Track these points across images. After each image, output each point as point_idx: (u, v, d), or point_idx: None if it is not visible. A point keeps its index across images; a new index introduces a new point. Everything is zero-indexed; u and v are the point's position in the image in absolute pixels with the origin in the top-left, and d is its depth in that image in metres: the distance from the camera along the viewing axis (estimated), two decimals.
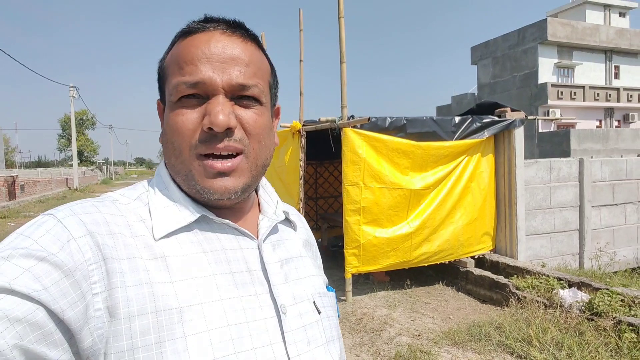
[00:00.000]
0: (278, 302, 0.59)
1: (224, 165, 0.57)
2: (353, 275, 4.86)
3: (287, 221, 0.73)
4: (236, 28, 0.61)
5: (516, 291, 4.35)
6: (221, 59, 0.57)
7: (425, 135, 4.87)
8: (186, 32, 0.60)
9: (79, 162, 37.13)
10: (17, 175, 18.28)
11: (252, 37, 0.63)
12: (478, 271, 4.99)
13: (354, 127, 4.55)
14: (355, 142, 4.51)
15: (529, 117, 5.63)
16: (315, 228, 7.58)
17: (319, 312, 0.66)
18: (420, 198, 4.84)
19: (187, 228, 0.58)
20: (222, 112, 0.55)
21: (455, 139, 5.00)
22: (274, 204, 0.72)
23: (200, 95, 0.57)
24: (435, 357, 3.31)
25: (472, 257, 5.29)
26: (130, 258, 0.51)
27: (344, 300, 4.72)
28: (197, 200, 0.60)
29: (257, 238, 0.64)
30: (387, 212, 4.67)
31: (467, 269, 5.10)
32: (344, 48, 4.62)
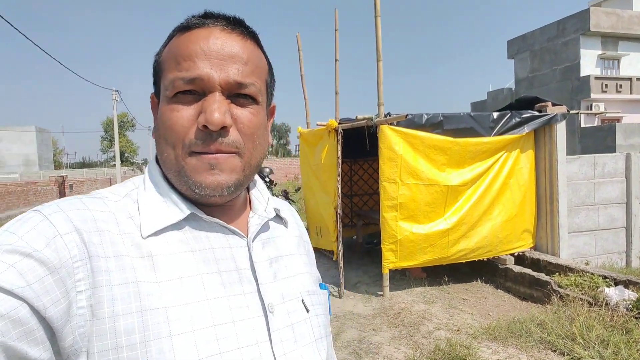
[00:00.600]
0: (265, 301, 0.59)
1: (216, 159, 0.56)
2: (390, 271, 4.91)
3: (279, 218, 0.72)
4: (236, 25, 0.60)
5: (558, 289, 4.27)
6: (219, 56, 0.56)
7: (462, 131, 4.85)
8: (185, 27, 0.59)
9: (120, 162, 38.88)
10: (66, 176, 19.41)
11: (251, 35, 0.62)
12: (518, 268, 4.92)
13: (390, 124, 4.60)
14: (392, 139, 4.56)
15: (571, 112, 5.48)
16: (350, 225, 7.66)
17: (308, 311, 0.65)
18: (458, 194, 4.83)
19: (176, 226, 0.57)
20: (218, 110, 0.54)
21: (494, 135, 4.95)
22: (265, 201, 0.70)
23: (196, 91, 0.56)
24: (475, 352, 3.33)
25: (512, 255, 5.21)
26: (117, 256, 0.51)
27: (382, 295, 4.78)
28: (188, 198, 0.59)
29: (247, 236, 0.63)
30: (424, 208, 4.70)
31: (507, 266, 5.04)
32: (381, 46, 4.67)
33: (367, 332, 3.86)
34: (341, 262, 4.91)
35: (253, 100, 0.59)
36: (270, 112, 0.69)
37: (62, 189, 18.10)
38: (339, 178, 4.93)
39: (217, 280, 0.56)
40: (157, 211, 0.57)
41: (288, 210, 0.77)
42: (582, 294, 4.11)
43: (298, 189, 7.90)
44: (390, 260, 4.69)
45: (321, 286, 0.73)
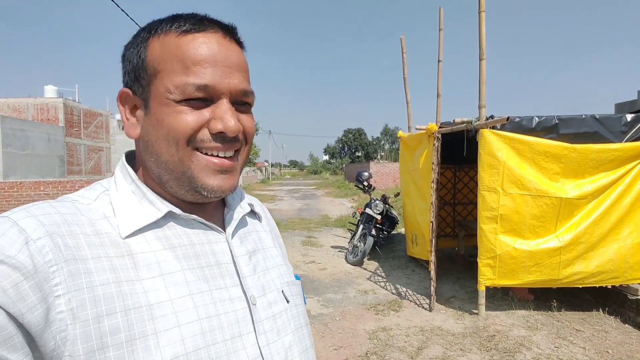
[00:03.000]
0: (248, 294, 0.60)
1: (224, 163, 0.58)
2: (489, 288, 4.49)
3: (252, 213, 0.75)
4: (233, 33, 0.61)
5: None
6: (227, 64, 0.57)
7: (583, 136, 4.21)
8: (184, 30, 0.57)
9: None
10: None
11: (242, 44, 0.64)
12: None
13: (493, 128, 4.22)
14: (493, 145, 4.18)
15: None
16: (451, 235, 7.23)
17: (288, 301, 0.67)
18: (574, 209, 4.20)
19: (155, 225, 0.58)
20: (233, 117, 0.57)
21: (626, 141, 4.19)
22: (239, 197, 0.72)
23: (205, 98, 0.56)
24: None
25: None
26: (95, 258, 0.51)
27: (476, 314, 4.40)
28: (165, 196, 0.61)
29: (225, 231, 0.64)
30: (530, 222, 4.19)
31: (639, 297, 4.22)
32: (484, 44, 4.32)
33: (453, 352, 3.59)
34: (433, 273, 4.65)
35: (250, 107, 0.62)
36: None
37: None
38: (433, 185, 4.68)
39: (199, 275, 0.57)
40: (134, 211, 0.58)
41: (259, 206, 0.80)
42: None
43: (397, 194, 7.71)
44: (488, 276, 4.29)
45: (295, 277, 0.75)
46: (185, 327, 0.52)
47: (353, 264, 6.67)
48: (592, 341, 3.79)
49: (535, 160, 4.19)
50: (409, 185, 6.36)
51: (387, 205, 7.50)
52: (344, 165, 43.51)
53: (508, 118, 4.02)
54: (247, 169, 43.88)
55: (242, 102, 0.60)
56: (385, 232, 7.60)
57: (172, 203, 0.61)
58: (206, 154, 0.58)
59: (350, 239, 7.11)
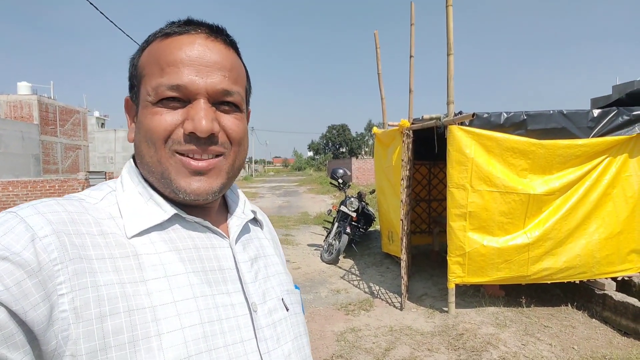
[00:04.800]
0: (249, 300, 0.61)
1: (198, 164, 0.57)
2: (461, 286, 4.47)
3: (254, 220, 0.75)
4: (218, 33, 0.60)
5: None
6: (205, 63, 0.57)
7: (551, 132, 4.19)
8: (166, 34, 0.59)
9: None
10: None
11: (232, 44, 0.63)
12: (620, 296, 4.10)
13: (461, 124, 4.17)
14: (462, 141, 4.13)
15: None
16: (427, 232, 7.21)
17: (287, 309, 0.67)
18: (542, 205, 4.19)
19: (160, 226, 0.58)
20: (205, 117, 0.55)
21: (593, 136, 4.19)
22: (242, 203, 0.73)
23: (181, 98, 0.56)
24: None
25: (613, 279, 4.37)
26: (100, 258, 0.50)
27: (446, 312, 4.37)
28: (170, 198, 0.60)
29: (228, 237, 0.65)
30: (499, 219, 4.16)
31: (605, 292, 4.24)
32: (452, 38, 4.26)
33: (420, 352, 3.54)
34: (403, 271, 4.60)
35: (236, 107, 0.61)
36: (247, 117, 0.70)
37: None
38: (403, 182, 4.62)
39: (203, 278, 0.57)
40: (140, 212, 0.57)
41: (261, 214, 0.79)
42: None
43: (373, 192, 7.66)
44: (457, 274, 4.26)
45: (295, 286, 0.76)
46: (188, 330, 0.52)
47: (328, 263, 6.59)
48: (559, 337, 3.79)
49: (504, 157, 4.17)
50: (383, 182, 6.30)
51: (363, 203, 7.44)
52: (326, 162, 43.46)
53: (474, 114, 3.98)
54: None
55: (224, 102, 0.59)
56: (362, 230, 7.54)
57: (177, 205, 0.60)
58: (182, 155, 0.57)
59: (326, 237, 7.03)
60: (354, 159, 25.74)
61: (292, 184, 30.75)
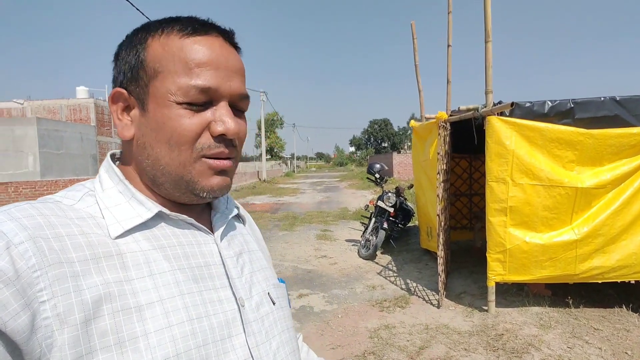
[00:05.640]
0: (237, 295, 0.61)
1: (224, 164, 0.60)
2: (503, 284, 4.27)
3: (237, 216, 0.75)
4: (232, 38, 0.62)
5: None
6: (230, 67, 0.58)
7: (601, 120, 3.89)
8: (187, 33, 0.57)
9: (270, 157, 42.99)
10: None
11: (239, 49, 0.64)
12: None
13: (501, 114, 3.96)
14: (501, 132, 3.93)
15: None
16: (467, 227, 6.96)
17: (274, 303, 0.67)
18: (591, 199, 3.90)
19: (144, 225, 0.57)
20: (233, 120, 0.58)
21: None
22: (225, 199, 0.73)
23: (205, 101, 0.57)
24: None
25: None
26: (82, 260, 0.49)
27: (486, 311, 4.19)
28: (153, 196, 0.61)
29: (213, 233, 0.65)
30: (543, 214, 3.93)
31: None
32: (490, 25, 4.05)
33: (457, 351, 3.42)
34: (440, 268, 4.46)
35: (243, 111, 0.63)
36: None
37: None
38: (439, 176, 4.46)
39: (189, 275, 0.57)
40: (123, 211, 0.57)
41: (243, 210, 0.80)
42: None
43: (411, 186, 7.48)
44: (497, 272, 4.07)
45: (279, 280, 0.76)
46: (176, 328, 0.52)
47: (365, 258, 6.53)
48: (611, 341, 3.52)
49: (548, 148, 3.92)
50: (421, 177, 6.14)
51: (401, 198, 7.30)
52: (368, 157, 43.07)
53: (513, 103, 3.77)
54: (272, 162, 44.18)
55: (238, 107, 0.61)
56: (400, 226, 7.40)
57: (159, 204, 0.60)
58: (209, 158, 0.58)
59: (363, 233, 6.97)
60: (395, 154, 25.36)
61: (334, 180, 30.78)
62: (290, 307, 0.75)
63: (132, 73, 0.58)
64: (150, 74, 0.57)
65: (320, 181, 29.80)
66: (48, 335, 0.44)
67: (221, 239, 0.65)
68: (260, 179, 29.58)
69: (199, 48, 0.56)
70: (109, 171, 0.61)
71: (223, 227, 0.66)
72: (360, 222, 8.54)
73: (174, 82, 0.55)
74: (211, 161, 0.58)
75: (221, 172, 0.60)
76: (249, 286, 0.64)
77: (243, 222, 0.77)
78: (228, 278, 0.61)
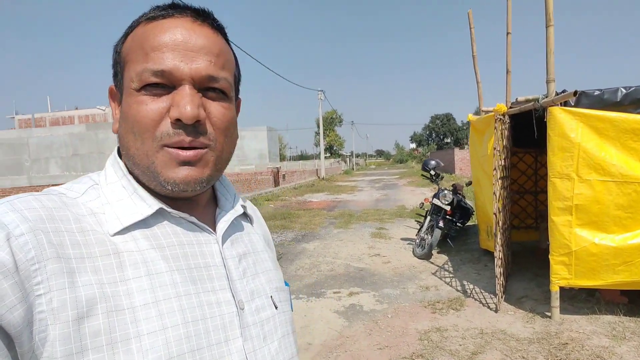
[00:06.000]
0: (236, 298, 0.59)
1: (187, 154, 0.55)
2: (570, 289, 3.93)
3: (244, 215, 0.72)
4: (205, 17, 0.58)
5: None
6: (190, 48, 0.54)
7: None
8: (151, 18, 0.57)
9: (329, 155, 43.27)
10: (280, 167, 22.85)
11: (220, 28, 0.60)
12: None
13: (564, 104, 3.64)
14: (565, 124, 3.61)
15: None
16: (533, 227, 6.50)
17: (276, 307, 0.65)
18: None
19: (144, 222, 0.56)
20: (190, 103, 0.53)
21: None
22: (232, 197, 0.69)
23: (165, 84, 0.54)
24: None
25: None
26: (78, 257, 0.49)
27: (549, 317, 3.88)
28: (155, 192, 0.58)
29: (215, 232, 0.62)
30: (615, 213, 3.55)
31: None
32: (551, 8, 3.73)
33: (513, 359, 3.21)
34: (497, 270, 4.20)
35: (224, 94, 0.58)
36: (237, 107, 0.67)
37: (277, 179, 21.38)
38: (495, 172, 4.20)
39: (187, 276, 0.56)
40: (124, 207, 0.56)
41: (252, 209, 0.77)
42: None
43: (469, 183, 7.13)
44: (562, 275, 3.75)
45: (285, 283, 0.74)
46: (170, 331, 0.50)
47: (420, 258, 6.34)
48: None
49: (621, 140, 3.54)
50: (479, 173, 5.84)
51: (458, 195, 6.99)
52: (429, 153, 41.80)
53: (576, 92, 3.44)
54: (331, 160, 44.32)
55: (210, 89, 0.56)
56: (458, 225, 7.09)
57: (162, 200, 0.58)
58: (171, 147, 0.55)
59: (418, 231, 6.77)
60: (456, 150, 24.38)
61: (393, 177, 30.26)
62: (292, 311, 0.73)
63: (114, 69, 0.60)
64: (122, 66, 0.57)
65: (379, 179, 29.45)
66: (42, 329, 0.44)
67: (224, 239, 0.62)
68: (319, 177, 29.87)
69: (157, 31, 0.55)
70: (114, 165, 0.60)
71: (226, 227, 0.63)
72: (415, 220, 8.31)
73: (133, 69, 0.54)
74: (172, 150, 0.54)
75: (186, 163, 0.55)
76: (251, 289, 0.62)
77: (250, 221, 0.74)
78: (228, 280, 0.59)
